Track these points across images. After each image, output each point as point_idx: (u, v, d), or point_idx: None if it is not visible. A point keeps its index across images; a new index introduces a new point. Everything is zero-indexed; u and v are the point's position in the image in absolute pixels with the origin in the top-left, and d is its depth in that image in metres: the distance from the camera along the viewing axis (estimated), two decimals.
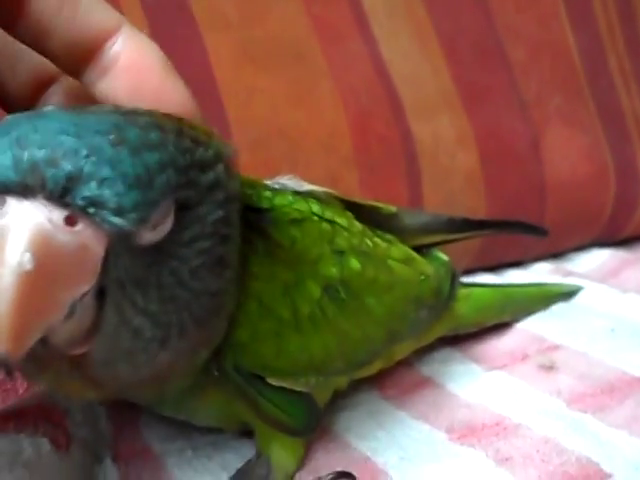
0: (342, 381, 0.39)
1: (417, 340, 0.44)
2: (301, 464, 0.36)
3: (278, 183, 0.35)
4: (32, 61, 0.29)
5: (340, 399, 0.41)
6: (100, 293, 0.22)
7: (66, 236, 0.20)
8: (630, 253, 0.69)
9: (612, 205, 0.69)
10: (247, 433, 0.37)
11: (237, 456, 0.36)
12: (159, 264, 0.24)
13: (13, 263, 0.19)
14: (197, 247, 0.25)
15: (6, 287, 0.19)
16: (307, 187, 0.36)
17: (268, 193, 0.33)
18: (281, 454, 0.34)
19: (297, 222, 0.33)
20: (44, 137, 0.21)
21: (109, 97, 0.27)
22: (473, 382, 0.44)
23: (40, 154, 0.20)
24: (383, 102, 0.59)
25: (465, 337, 0.50)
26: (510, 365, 0.46)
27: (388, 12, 0.61)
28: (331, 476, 0.34)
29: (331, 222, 0.35)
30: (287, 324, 0.31)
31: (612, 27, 0.72)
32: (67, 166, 0.20)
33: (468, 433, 0.38)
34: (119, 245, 0.22)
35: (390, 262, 0.38)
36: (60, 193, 0.20)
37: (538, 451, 0.36)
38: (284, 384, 0.32)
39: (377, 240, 0.38)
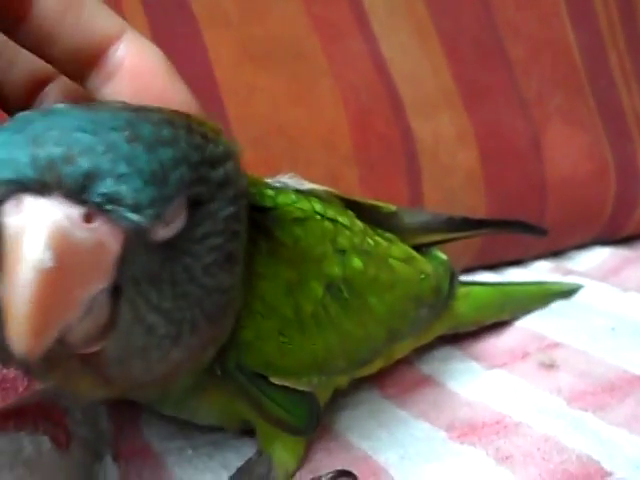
0: (343, 380, 0.39)
1: (417, 339, 0.44)
2: (301, 463, 0.36)
3: (279, 182, 0.35)
4: (28, 61, 0.29)
5: (341, 398, 0.41)
6: (114, 290, 0.22)
7: (84, 233, 0.20)
8: (631, 251, 0.69)
9: (613, 203, 0.69)
10: (248, 432, 0.37)
11: (237, 455, 0.36)
12: (172, 261, 0.24)
13: (33, 260, 0.19)
14: (209, 243, 0.25)
15: (25, 285, 0.19)
16: (308, 186, 0.36)
17: (271, 192, 0.33)
18: (282, 453, 0.34)
19: (300, 221, 0.33)
20: (60, 134, 0.21)
21: None
22: (473, 380, 0.44)
23: (57, 151, 0.20)
24: (383, 100, 0.58)
25: (465, 335, 0.50)
26: (510, 363, 0.46)
27: (388, 10, 0.61)
28: (331, 475, 0.34)
29: (333, 221, 0.35)
30: (290, 323, 0.31)
31: (613, 25, 0.72)
32: (84, 163, 0.20)
33: (469, 431, 0.38)
34: (134, 242, 0.22)
35: (391, 261, 0.38)
36: (78, 190, 0.20)
37: (538, 449, 0.36)
38: (287, 383, 0.32)
39: (378, 239, 0.38)
